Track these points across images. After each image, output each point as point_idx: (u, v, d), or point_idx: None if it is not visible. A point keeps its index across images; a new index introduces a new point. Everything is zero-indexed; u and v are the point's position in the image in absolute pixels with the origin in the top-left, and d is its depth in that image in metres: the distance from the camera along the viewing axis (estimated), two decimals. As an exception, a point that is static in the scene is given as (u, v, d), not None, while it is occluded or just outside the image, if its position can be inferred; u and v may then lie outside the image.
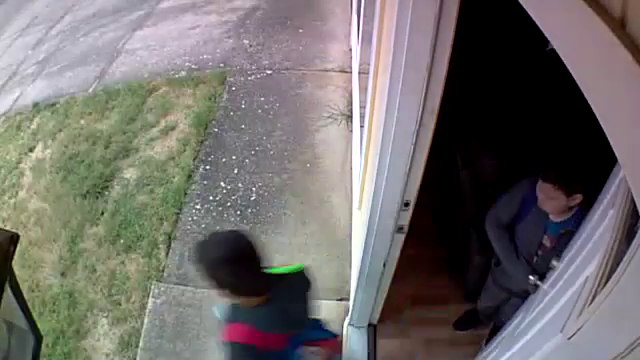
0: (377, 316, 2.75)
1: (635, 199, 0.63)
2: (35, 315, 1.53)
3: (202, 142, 4.12)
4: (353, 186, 3.47)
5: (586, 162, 1.60)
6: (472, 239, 2.68)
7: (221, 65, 4.97)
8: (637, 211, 0.89)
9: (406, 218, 2.02)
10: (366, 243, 2.21)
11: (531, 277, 1.70)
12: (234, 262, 1.38)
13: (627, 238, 0.90)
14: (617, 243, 0.89)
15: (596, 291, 0.90)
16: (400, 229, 2.05)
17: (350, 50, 4.94)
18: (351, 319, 2.68)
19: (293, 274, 1.65)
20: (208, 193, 3.71)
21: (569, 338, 0.91)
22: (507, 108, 2.93)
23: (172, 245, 3.41)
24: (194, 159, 3.97)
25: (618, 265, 0.84)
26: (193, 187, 3.76)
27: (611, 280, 0.81)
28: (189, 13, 6.05)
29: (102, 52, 5.58)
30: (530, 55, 2.81)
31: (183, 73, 4.95)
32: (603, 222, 0.92)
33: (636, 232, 0.87)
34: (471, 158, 2.95)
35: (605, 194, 0.90)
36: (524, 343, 1.31)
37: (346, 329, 2.72)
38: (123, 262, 3.36)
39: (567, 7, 0.56)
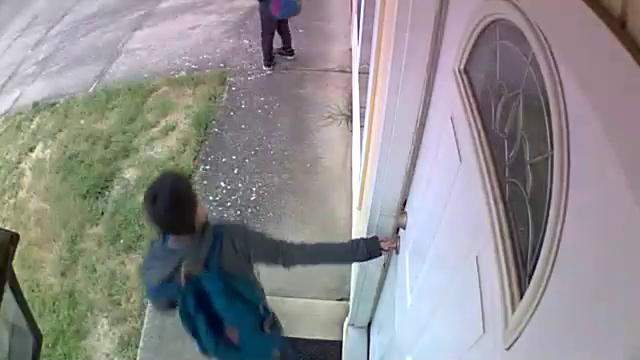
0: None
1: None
2: (35, 315, 1.53)
3: (202, 142, 4.12)
4: (353, 186, 3.46)
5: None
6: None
7: (221, 65, 4.98)
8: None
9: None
10: (366, 243, 2.20)
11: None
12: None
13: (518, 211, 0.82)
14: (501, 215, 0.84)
15: (513, 293, 0.79)
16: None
17: (350, 50, 4.94)
18: (351, 319, 2.67)
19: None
20: (208, 193, 3.71)
21: (507, 349, 0.79)
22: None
23: (172, 245, 3.41)
24: (194, 159, 3.98)
25: (527, 252, 0.77)
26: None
27: (533, 281, 0.72)
28: (189, 13, 6.06)
29: (102, 52, 5.59)
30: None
31: (183, 73, 4.95)
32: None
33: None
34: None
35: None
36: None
37: (346, 329, 2.72)
38: (123, 262, 3.36)
39: (566, 7, 0.56)
